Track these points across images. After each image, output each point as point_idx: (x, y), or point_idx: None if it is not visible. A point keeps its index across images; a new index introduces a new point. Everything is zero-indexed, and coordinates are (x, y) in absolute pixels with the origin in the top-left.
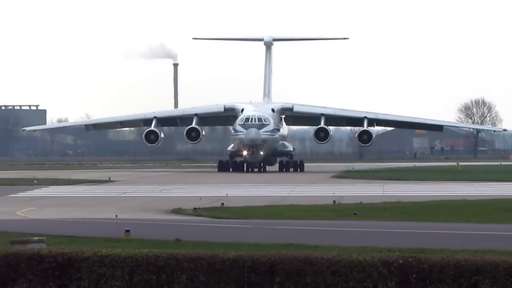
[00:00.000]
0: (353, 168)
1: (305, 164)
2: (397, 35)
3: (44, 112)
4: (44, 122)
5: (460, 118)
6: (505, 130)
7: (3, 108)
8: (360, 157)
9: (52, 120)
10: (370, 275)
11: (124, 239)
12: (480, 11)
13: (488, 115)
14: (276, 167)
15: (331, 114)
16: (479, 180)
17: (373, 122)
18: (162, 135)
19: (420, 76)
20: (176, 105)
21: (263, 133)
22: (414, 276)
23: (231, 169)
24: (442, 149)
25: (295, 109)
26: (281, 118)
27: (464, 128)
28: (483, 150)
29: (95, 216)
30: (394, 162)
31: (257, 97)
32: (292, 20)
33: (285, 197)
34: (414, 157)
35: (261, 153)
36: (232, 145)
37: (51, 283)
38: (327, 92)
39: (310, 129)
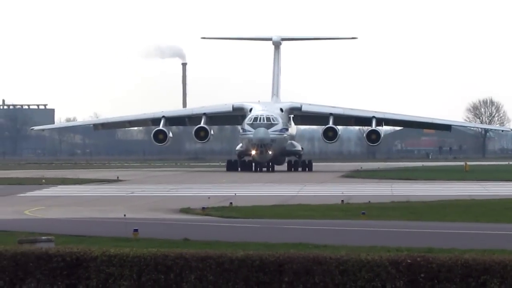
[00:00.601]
0: (361, 167)
1: (314, 164)
2: (406, 35)
3: (52, 111)
4: (52, 121)
5: (468, 118)
6: None
7: (11, 107)
8: (373, 157)
9: (60, 119)
10: (379, 275)
11: (133, 239)
12: (488, 11)
13: (496, 114)
14: (284, 166)
15: (340, 114)
16: (487, 180)
17: (381, 121)
18: (171, 134)
19: (428, 76)
20: (184, 105)
21: (271, 132)
22: (422, 275)
23: (239, 169)
24: (450, 149)
25: (304, 108)
26: (289, 118)
27: (472, 128)
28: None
29: (103, 215)
30: (402, 161)
31: (266, 97)
32: (300, 20)
33: (293, 196)
34: (428, 157)
35: (270, 152)
36: (241, 144)
37: (59, 283)
38: (335, 92)
39: (318, 129)
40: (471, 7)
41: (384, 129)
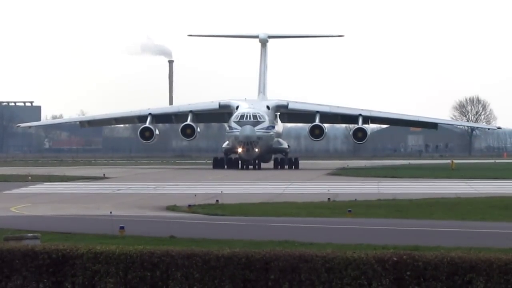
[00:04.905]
0: (348, 165)
1: (300, 161)
2: (392, 33)
3: (38, 108)
4: (38, 118)
5: (454, 116)
6: (499, 128)
7: None
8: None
9: (46, 116)
10: (365, 273)
11: (119, 236)
12: (473, 9)
13: (483, 113)
14: (271, 164)
15: (326, 112)
16: (473, 178)
17: (368, 119)
18: (157, 132)
19: (415, 73)
20: (171, 102)
21: (258, 130)
22: (408, 273)
23: (226, 166)
24: (437, 146)
25: (290, 106)
26: (276, 115)
27: (458, 126)
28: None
29: (89, 212)
30: (389, 159)
31: (252, 94)
32: (287, 18)
33: (280, 194)
34: (419, 155)
35: (256, 150)
36: (227, 142)
37: (45, 280)
38: (322, 90)
39: (305, 127)
40: (458, 6)
41: (371, 127)
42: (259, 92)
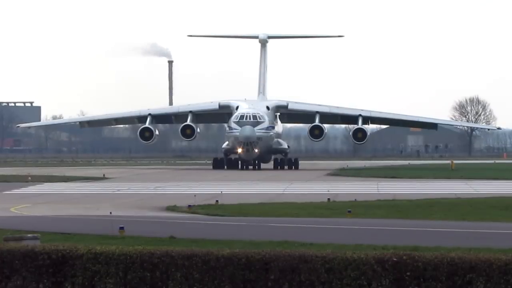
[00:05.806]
0: (347, 165)
1: (300, 162)
2: (392, 33)
3: (38, 108)
4: (38, 119)
5: (454, 116)
6: (499, 128)
7: None
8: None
9: (46, 117)
10: (365, 273)
11: (119, 236)
12: (473, 9)
13: (483, 113)
14: (270, 164)
15: (326, 112)
16: (473, 178)
17: (367, 120)
18: (157, 132)
19: (415, 73)
20: (170, 103)
21: (257, 130)
22: (408, 274)
23: (225, 167)
24: (436, 147)
25: (290, 106)
26: (276, 116)
27: (458, 126)
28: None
29: (89, 213)
30: (389, 160)
31: (252, 95)
32: (287, 18)
33: (279, 194)
34: (418, 156)
35: (256, 150)
36: (227, 142)
37: (45, 280)
38: (322, 90)
39: (305, 127)
40: (458, 6)
41: (370, 127)
42: (259, 92)
